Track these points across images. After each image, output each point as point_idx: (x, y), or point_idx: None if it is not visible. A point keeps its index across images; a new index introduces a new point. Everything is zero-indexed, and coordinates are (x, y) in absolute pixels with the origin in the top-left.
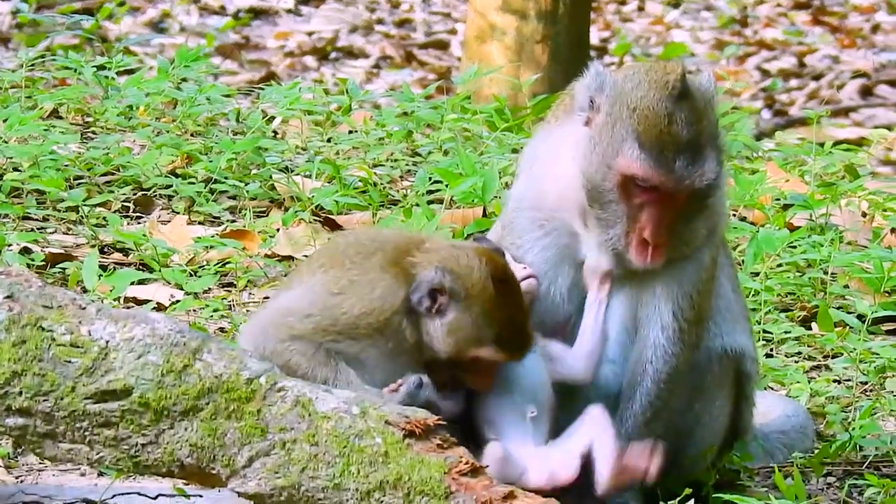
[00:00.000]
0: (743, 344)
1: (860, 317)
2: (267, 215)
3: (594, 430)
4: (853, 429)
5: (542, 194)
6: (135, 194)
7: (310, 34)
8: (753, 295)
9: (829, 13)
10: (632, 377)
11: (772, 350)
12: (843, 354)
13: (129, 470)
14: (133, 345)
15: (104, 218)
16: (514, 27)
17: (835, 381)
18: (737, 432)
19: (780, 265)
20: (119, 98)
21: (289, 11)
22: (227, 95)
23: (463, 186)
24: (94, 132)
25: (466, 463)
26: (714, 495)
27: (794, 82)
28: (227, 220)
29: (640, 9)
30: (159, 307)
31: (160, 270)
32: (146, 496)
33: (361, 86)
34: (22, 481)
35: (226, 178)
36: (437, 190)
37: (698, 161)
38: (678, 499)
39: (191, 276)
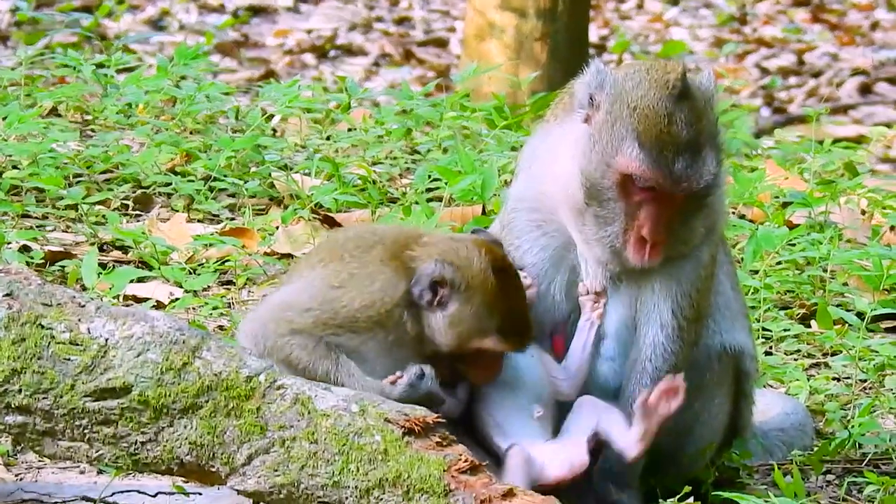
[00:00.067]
0: (742, 342)
1: (859, 314)
2: (266, 213)
3: (594, 413)
4: (852, 426)
5: (541, 195)
6: (134, 192)
7: (309, 32)
8: (753, 293)
9: (828, 11)
10: (631, 375)
11: (771, 348)
12: (842, 352)
13: (128, 468)
14: (132, 342)
15: (103, 216)
16: (514, 25)
17: (834, 378)
18: (736, 430)
19: (779, 263)
20: (118, 96)
21: (288, 9)
22: (227, 93)
23: (462, 184)
24: (93, 130)
25: (466, 461)
26: (713, 493)
27: (793, 80)
28: (227, 218)
29: (639, 6)
30: (158, 305)
31: (159, 268)
32: (146, 494)
33: (360, 84)
34: (21, 479)
35: (225, 175)
36: (437, 188)
37: (698, 161)
38: (677, 497)
39: (190, 273)
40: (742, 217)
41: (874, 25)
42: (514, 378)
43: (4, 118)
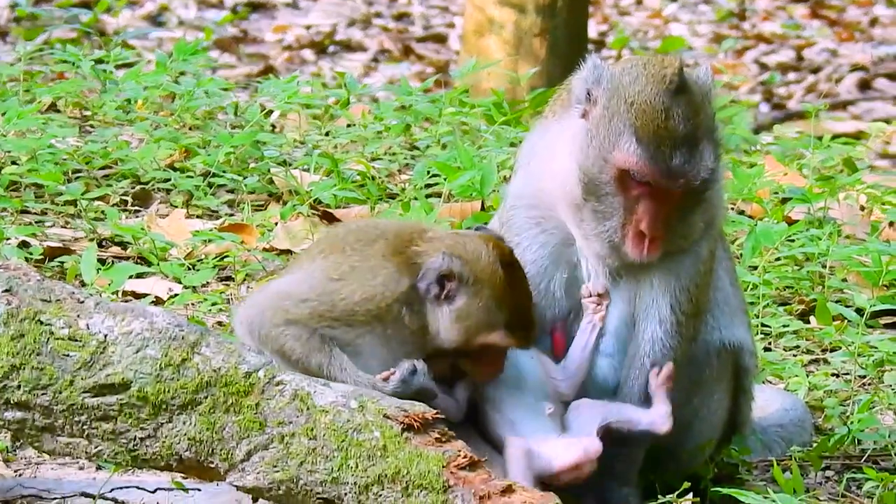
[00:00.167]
0: (741, 337)
1: (858, 310)
2: (265, 209)
3: (595, 410)
4: (851, 422)
5: (539, 191)
6: (133, 188)
7: (308, 28)
8: (752, 288)
9: (827, 7)
10: (630, 371)
11: (770, 344)
12: (841, 348)
13: (127, 464)
14: (131, 338)
15: (102, 211)
16: (513, 21)
17: (833, 374)
18: (735, 426)
19: (778, 259)
20: (117, 92)
21: (287, 5)
22: (226, 89)
23: (461, 180)
24: (92, 126)
25: (465, 457)
26: (712, 489)
27: (792, 76)
28: (226, 214)
29: (638, 2)
30: (157, 301)
31: (158, 264)
32: (144, 490)
33: (359, 79)
34: (20, 475)
35: (224, 171)
36: (436, 183)
37: (695, 156)
38: (676, 493)
39: (189, 269)
40: (741, 213)
41: (873, 21)
42: (519, 378)
43: (3, 114)
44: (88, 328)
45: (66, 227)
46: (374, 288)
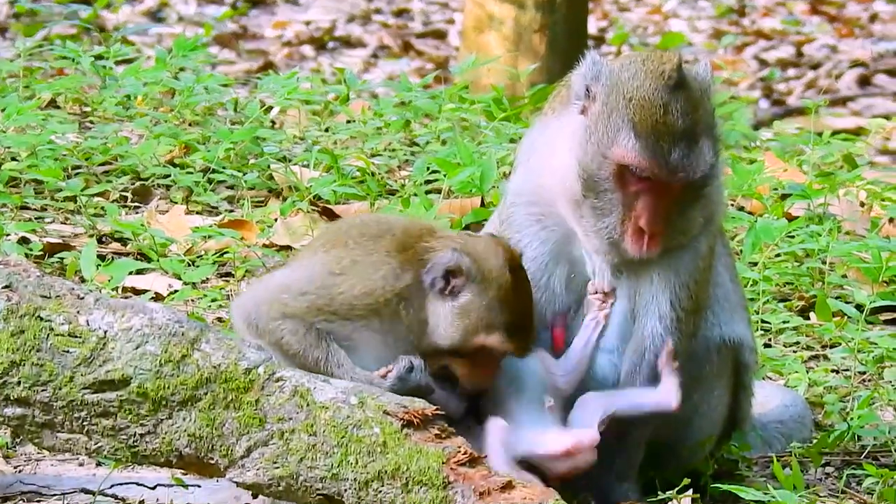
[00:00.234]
0: (741, 334)
1: (858, 306)
2: (265, 205)
3: (600, 402)
4: (851, 419)
5: (539, 188)
6: (133, 184)
7: (307, 24)
8: (752, 285)
9: (827, 2)
10: (630, 367)
11: (770, 340)
12: (841, 344)
13: (127, 460)
14: (131, 335)
15: (102, 208)
16: (512, 17)
17: (833, 370)
18: (735, 422)
19: (778, 255)
20: (117, 88)
21: (286, 1)
22: (225, 85)
23: (461, 176)
24: (91, 122)
25: (465, 453)
26: (712, 485)
27: (791, 72)
28: (225, 210)
29: None
30: (157, 297)
31: (158, 260)
32: (144, 486)
33: (359, 75)
34: (20, 471)
35: (224, 167)
36: (435, 179)
37: (694, 150)
38: (676, 489)
39: (189, 265)
40: (741, 209)
41: (873, 17)
42: (518, 372)
43: (3, 110)
44: (88, 324)
45: (65, 224)
46: (374, 282)
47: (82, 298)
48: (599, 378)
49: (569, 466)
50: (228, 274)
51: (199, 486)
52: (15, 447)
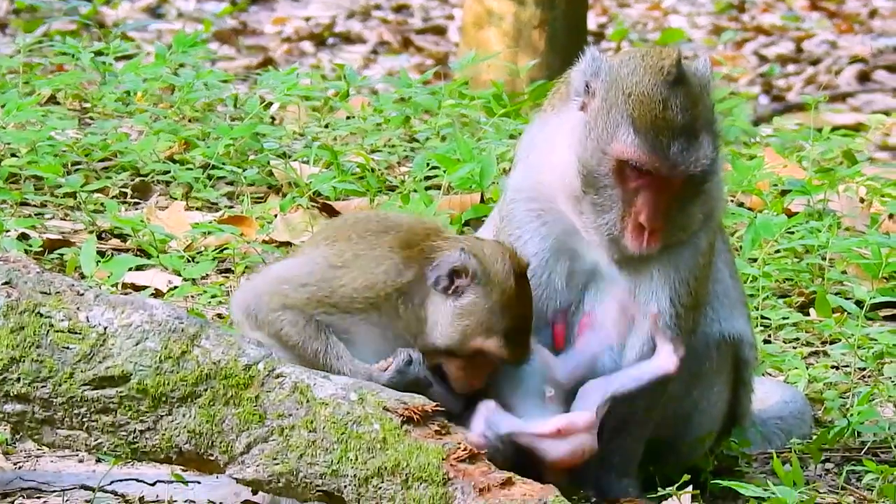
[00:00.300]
0: (741, 330)
1: (858, 303)
2: (265, 201)
3: (601, 388)
4: (851, 415)
5: (539, 184)
6: (132, 180)
7: (307, 20)
8: (751, 281)
9: None
10: (630, 363)
11: (770, 336)
12: (841, 340)
13: (127, 456)
14: (131, 331)
15: (102, 204)
16: (512, 13)
17: (833, 367)
18: (735, 418)
19: (777, 251)
20: (116, 84)
21: None
22: (225, 81)
23: (461, 172)
24: (91, 118)
25: (465, 449)
26: (712, 481)
27: (791, 68)
28: (225, 206)
29: None
30: (157, 293)
31: (158, 256)
32: (144, 482)
33: (359, 71)
34: (20, 467)
35: (223, 163)
36: (435, 176)
37: (693, 146)
38: (676, 485)
39: (189, 262)
40: (741, 205)
41: (872, 13)
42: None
43: (3, 106)
44: (88, 320)
45: (65, 220)
46: (375, 276)
47: (82, 295)
48: (600, 374)
49: (565, 451)
50: (228, 270)
51: (198, 483)
52: (15, 443)
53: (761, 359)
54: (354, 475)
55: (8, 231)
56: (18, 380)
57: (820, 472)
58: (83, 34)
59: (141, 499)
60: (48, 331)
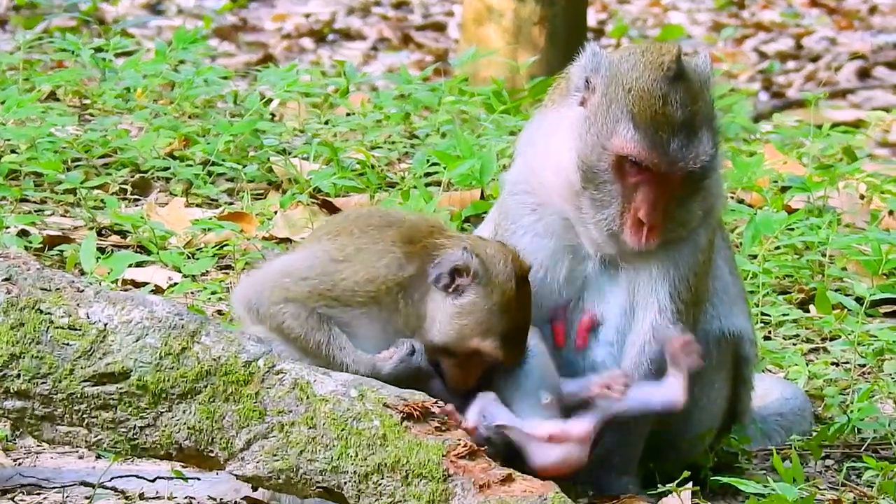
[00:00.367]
0: (741, 326)
1: (858, 299)
2: (265, 198)
3: (607, 402)
4: (851, 411)
5: (538, 179)
6: (132, 177)
7: (307, 16)
8: (751, 277)
9: None
10: (630, 359)
11: (770, 333)
12: (841, 337)
13: (127, 453)
14: (131, 327)
15: (102, 200)
16: (512, 9)
17: (833, 363)
18: (735, 415)
19: (777, 248)
20: (116, 80)
21: None
22: (225, 77)
23: (461, 169)
24: (91, 114)
25: (465, 446)
26: (712, 478)
27: (791, 64)
28: (225, 203)
29: None
30: (157, 290)
31: (158, 253)
32: (144, 479)
33: (359, 68)
34: (20, 464)
35: (223, 160)
36: (435, 172)
37: (693, 142)
38: (676, 482)
39: (189, 258)
40: (741, 202)
41: (872, 10)
42: (523, 365)
43: (3, 102)
44: (88, 317)
45: (65, 216)
46: (376, 270)
47: (82, 291)
48: (600, 370)
49: (553, 458)
50: (228, 266)
51: (198, 479)
52: (15, 440)
53: (761, 355)
54: (354, 472)
55: (8, 227)
56: (18, 376)
57: (820, 468)
58: (83, 31)
59: (141, 495)
60: (48, 327)
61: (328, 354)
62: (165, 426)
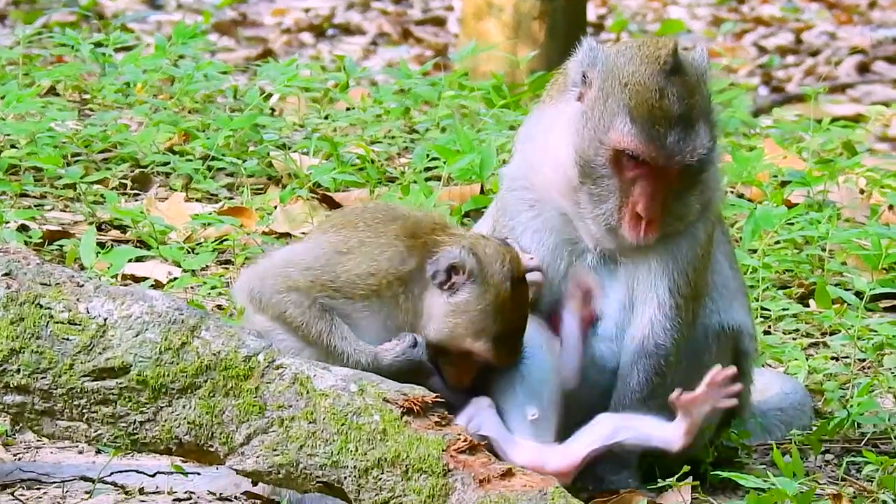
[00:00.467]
0: (741, 321)
1: (858, 294)
2: (264, 192)
3: (608, 427)
4: (851, 406)
5: (536, 174)
6: (132, 171)
7: (307, 11)
8: (751, 272)
9: None
10: (629, 354)
11: (770, 327)
12: (841, 331)
13: (127, 447)
14: (131, 322)
15: (102, 195)
16: (512, 4)
17: (833, 358)
18: (735, 409)
19: (777, 242)
20: (116, 75)
21: None
22: (225, 72)
23: (461, 163)
24: (91, 109)
25: (465, 440)
26: (712, 473)
27: (791, 59)
28: (225, 198)
29: None
30: (157, 284)
31: (158, 248)
32: (144, 474)
33: (358, 63)
34: (20, 459)
35: (223, 155)
36: (435, 167)
37: (690, 136)
38: (676, 476)
39: (188, 253)
40: (740, 196)
41: (872, 4)
42: (514, 374)
43: (3, 97)
44: (88, 312)
45: (65, 211)
46: (379, 263)
47: (82, 286)
48: (599, 366)
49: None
50: (228, 261)
51: (198, 474)
52: (14, 435)
53: (761, 350)
54: (354, 466)
55: (8, 222)
56: (18, 371)
57: (820, 463)
58: (83, 25)
59: (141, 490)
60: (48, 322)
61: (329, 344)
62: (165, 421)
